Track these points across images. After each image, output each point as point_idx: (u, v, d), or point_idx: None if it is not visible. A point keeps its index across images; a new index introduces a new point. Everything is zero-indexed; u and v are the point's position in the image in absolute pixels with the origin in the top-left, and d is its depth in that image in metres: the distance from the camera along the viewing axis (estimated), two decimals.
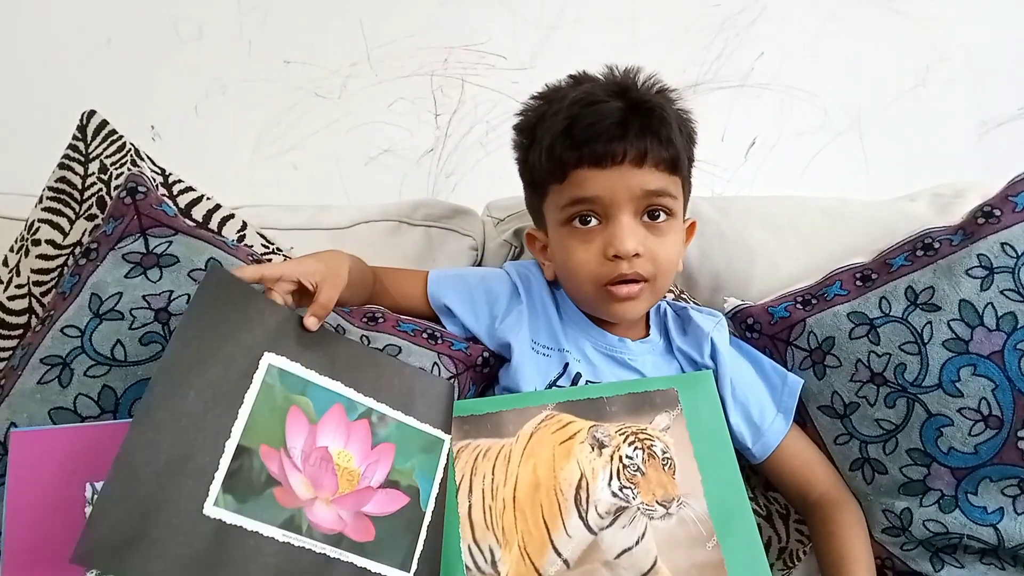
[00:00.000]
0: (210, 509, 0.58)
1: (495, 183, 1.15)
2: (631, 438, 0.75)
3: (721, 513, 0.73)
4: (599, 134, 0.78)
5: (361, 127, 1.33)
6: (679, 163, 0.81)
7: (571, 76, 0.87)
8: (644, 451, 0.74)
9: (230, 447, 0.60)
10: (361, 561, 0.64)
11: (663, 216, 0.81)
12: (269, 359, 0.65)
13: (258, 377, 0.64)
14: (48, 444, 0.66)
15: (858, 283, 0.89)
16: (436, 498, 0.70)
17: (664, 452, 0.74)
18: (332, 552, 0.63)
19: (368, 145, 1.33)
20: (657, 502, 0.73)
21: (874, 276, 0.88)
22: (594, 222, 0.80)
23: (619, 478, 0.73)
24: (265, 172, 1.31)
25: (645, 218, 0.80)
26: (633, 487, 0.73)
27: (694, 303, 0.97)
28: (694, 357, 0.87)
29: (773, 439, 0.85)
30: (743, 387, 0.86)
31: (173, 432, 0.59)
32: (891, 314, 0.85)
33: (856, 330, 0.86)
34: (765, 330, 0.90)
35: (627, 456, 0.74)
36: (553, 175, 0.81)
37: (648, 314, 0.91)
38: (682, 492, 0.73)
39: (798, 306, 0.89)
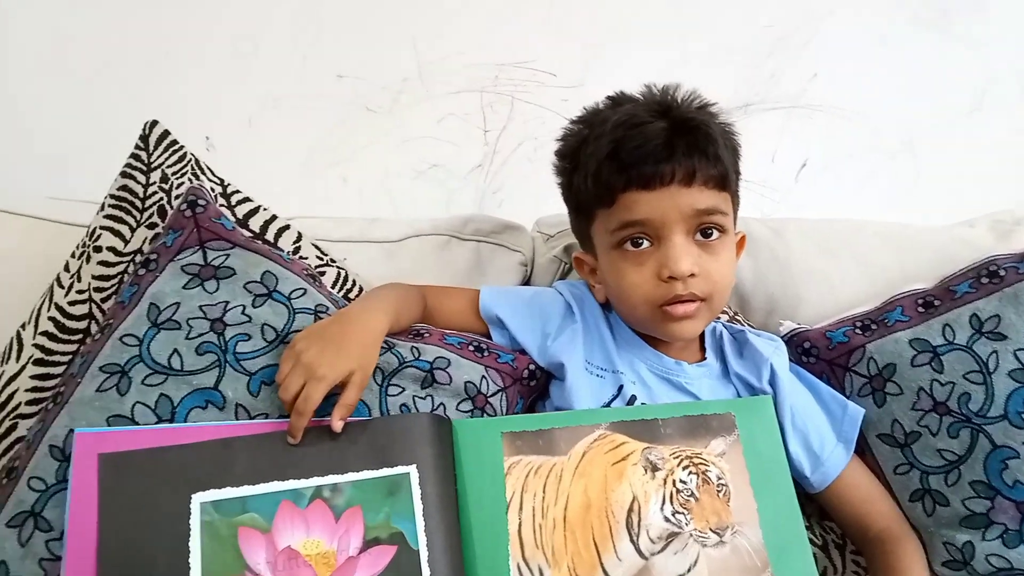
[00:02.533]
0: None
1: (542, 200, 1.15)
2: (685, 462, 0.73)
3: (777, 544, 0.71)
4: (646, 156, 0.77)
5: (410, 142, 1.34)
6: (727, 179, 0.80)
7: (609, 97, 0.86)
8: (699, 476, 0.73)
9: None
10: None
11: (715, 234, 0.80)
12: (198, 499, 0.66)
13: (195, 521, 0.65)
14: (111, 445, 0.67)
15: (920, 309, 0.86)
16: (426, 530, 0.68)
17: (719, 478, 0.73)
18: None
19: (417, 160, 1.34)
20: (711, 529, 0.71)
21: (937, 303, 0.86)
22: (646, 244, 0.79)
23: (672, 503, 0.72)
24: (315, 185, 1.33)
25: (697, 236, 0.79)
26: (686, 512, 0.72)
27: (749, 326, 0.96)
28: (751, 382, 0.85)
29: (833, 469, 0.83)
30: (802, 414, 0.84)
31: None
32: (955, 342, 0.82)
33: (918, 357, 0.83)
34: (823, 355, 0.88)
35: (681, 480, 0.73)
36: (600, 200, 0.80)
37: (704, 337, 0.89)
38: (737, 520, 0.71)
39: (857, 331, 0.88)
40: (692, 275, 0.78)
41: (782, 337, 0.91)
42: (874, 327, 0.87)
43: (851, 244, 1.00)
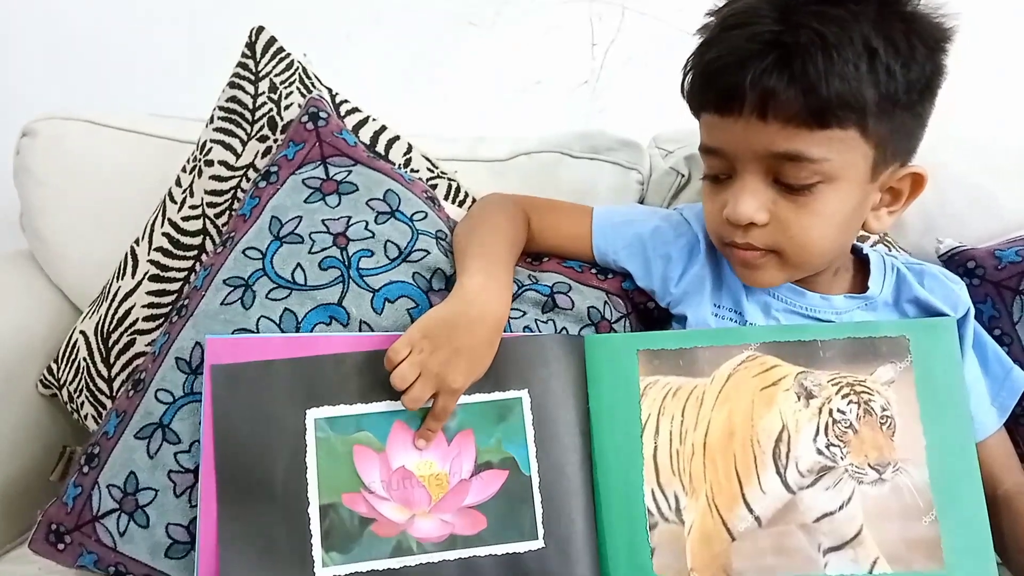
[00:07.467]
0: (322, 572, 0.62)
1: (652, 117, 1.07)
2: (846, 390, 0.67)
3: (944, 486, 0.64)
4: (722, 71, 0.61)
5: (513, 57, 1.26)
6: (830, 112, 0.59)
7: None
8: (860, 406, 0.66)
9: (314, 512, 0.64)
10: (484, 550, 0.64)
11: (805, 184, 0.63)
12: (313, 415, 0.65)
13: (310, 437, 0.65)
14: (243, 353, 0.66)
15: None
16: (537, 456, 0.66)
17: (884, 409, 0.66)
18: (452, 555, 0.64)
19: (520, 76, 1.26)
20: (869, 465, 0.65)
21: None
22: (724, 175, 0.67)
23: (827, 434, 0.66)
24: (415, 103, 1.27)
25: (781, 181, 0.64)
26: (842, 445, 0.66)
27: (906, 252, 0.86)
28: (940, 310, 0.73)
29: (978, 432, 0.71)
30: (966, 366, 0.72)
31: (256, 533, 0.63)
32: None
33: None
34: (989, 275, 0.79)
35: (839, 410, 0.66)
36: (693, 113, 0.68)
37: (868, 262, 0.76)
38: (900, 457, 0.65)
39: None
40: (755, 224, 0.64)
41: (941, 256, 0.82)
42: None
43: (1021, 163, 0.89)
